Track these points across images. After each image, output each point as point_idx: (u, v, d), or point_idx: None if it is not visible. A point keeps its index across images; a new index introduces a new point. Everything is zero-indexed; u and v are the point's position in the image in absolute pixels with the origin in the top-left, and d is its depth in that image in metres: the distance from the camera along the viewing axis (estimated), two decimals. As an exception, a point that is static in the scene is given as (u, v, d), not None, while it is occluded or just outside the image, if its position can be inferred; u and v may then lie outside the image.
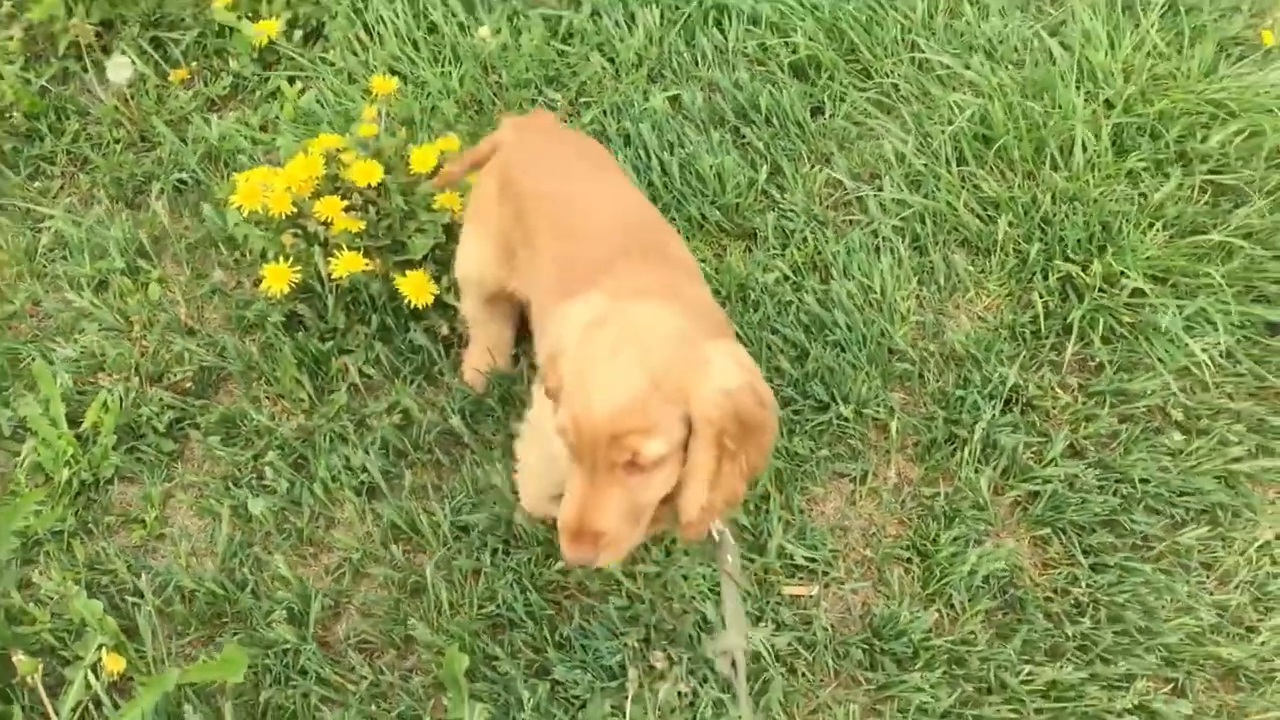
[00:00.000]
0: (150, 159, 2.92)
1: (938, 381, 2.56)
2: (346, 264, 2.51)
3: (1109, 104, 2.93)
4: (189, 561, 2.29)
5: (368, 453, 2.39)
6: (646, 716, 2.10)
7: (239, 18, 3.06)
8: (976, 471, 2.42)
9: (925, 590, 2.30)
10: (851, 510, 2.41)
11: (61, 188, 2.90)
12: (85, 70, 3.03)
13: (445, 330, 2.57)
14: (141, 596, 2.19)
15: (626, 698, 2.11)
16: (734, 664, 1.75)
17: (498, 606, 2.20)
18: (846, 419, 2.48)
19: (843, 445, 2.48)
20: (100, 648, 2.01)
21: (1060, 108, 2.89)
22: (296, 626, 2.18)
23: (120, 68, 2.86)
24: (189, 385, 2.52)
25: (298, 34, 3.12)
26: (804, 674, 2.18)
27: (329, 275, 2.54)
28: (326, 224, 2.55)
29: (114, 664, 2.01)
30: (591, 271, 1.84)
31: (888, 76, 3.06)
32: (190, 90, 3.04)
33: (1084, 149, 2.83)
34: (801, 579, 2.31)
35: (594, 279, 1.81)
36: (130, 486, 2.41)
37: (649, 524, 1.73)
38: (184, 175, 2.87)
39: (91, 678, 1.99)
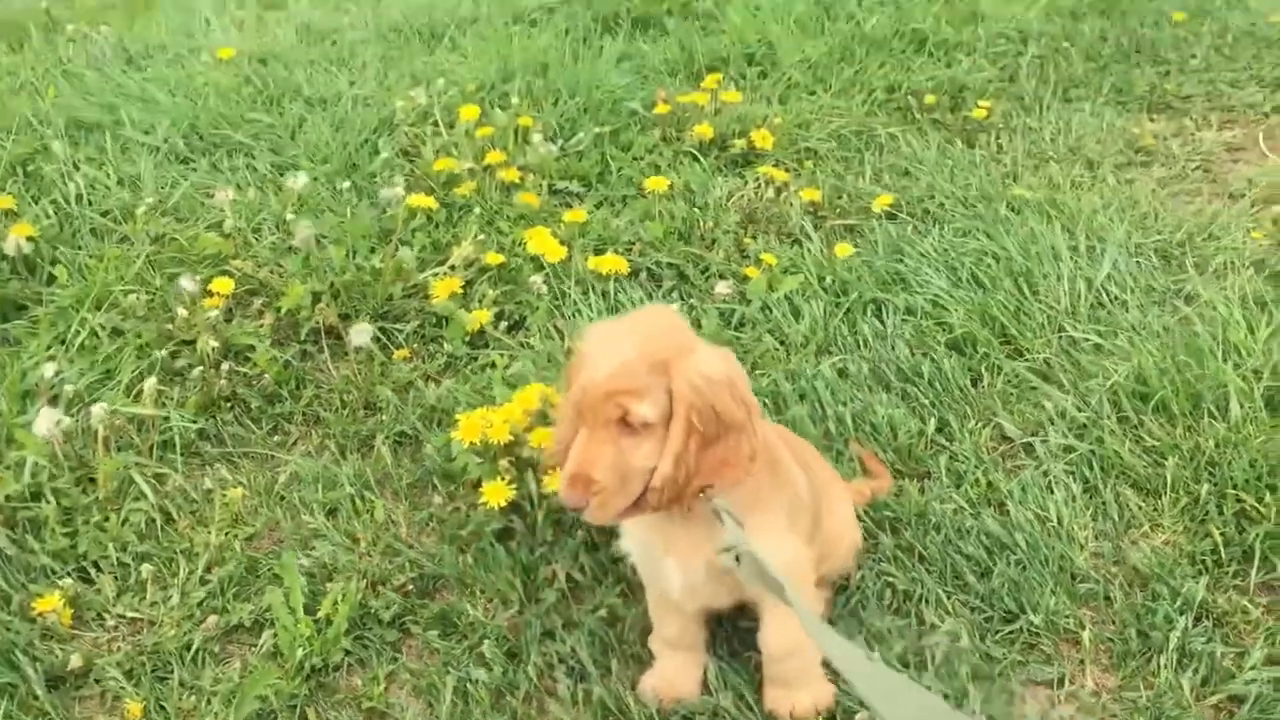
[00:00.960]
0: (374, 420, 3.46)
1: (1125, 599, 2.77)
2: (558, 479, 2.93)
3: (1256, 373, 3.32)
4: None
5: (576, 647, 2.66)
6: None
7: (455, 309, 3.72)
8: (1177, 673, 2.57)
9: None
10: (1053, 711, 2.55)
11: (296, 441, 3.43)
12: (322, 351, 3.68)
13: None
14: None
15: None
16: (738, 558, 2.05)
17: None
18: (1037, 628, 2.68)
19: (1035, 653, 2.66)
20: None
21: (1210, 371, 3.29)
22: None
23: (361, 333, 3.49)
24: (410, 588, 2.86)
25: (503, 324, 3.76)
26: None
27: (540, 495, 2.96)
28: (540, 450, 3.01)
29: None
30: None
31: (1040, 353, 3.52)
32: (410, 365, 3.64)
33: (1240, 405, 3.18)
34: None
35: None
36: (356, 673, 2.70)
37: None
38: (405, 428, 3.39)
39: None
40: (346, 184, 4.18)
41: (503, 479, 2.95)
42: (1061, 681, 2.59)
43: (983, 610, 2.72)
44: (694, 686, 2.57)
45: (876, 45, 5.56)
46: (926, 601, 2.75)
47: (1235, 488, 2.97)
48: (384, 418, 3.44)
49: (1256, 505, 2.91)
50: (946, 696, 2.51)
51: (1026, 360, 3.51)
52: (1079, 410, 3.26)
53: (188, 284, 3.51)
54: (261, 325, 3.65)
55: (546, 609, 2.76)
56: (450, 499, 3.14)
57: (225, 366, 3.50)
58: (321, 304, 3.69)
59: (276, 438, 3.45)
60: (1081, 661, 2.64)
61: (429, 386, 3.51)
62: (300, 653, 2.64)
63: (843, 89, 5.24)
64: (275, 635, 2.70)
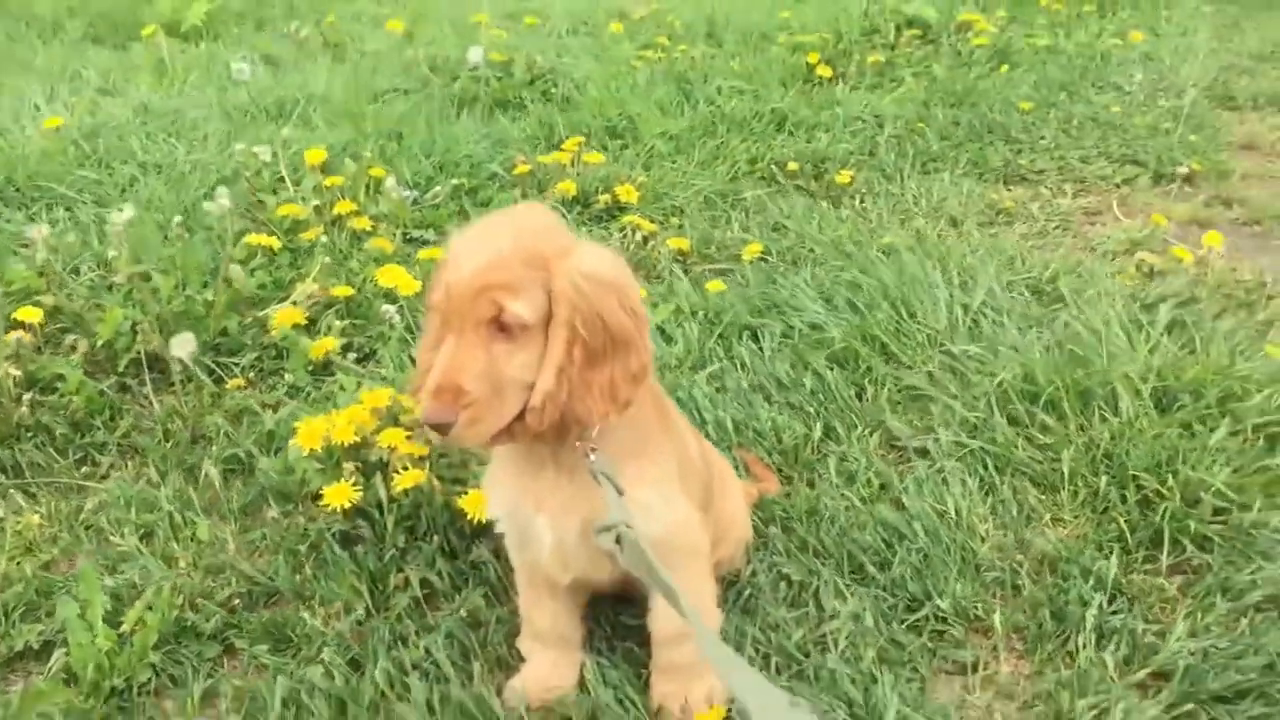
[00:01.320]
0: (202, 448, 3.10)
1: (1034, 584, 2.58)
2: (409, 479, 2.63)
3: (1142, 376, 3.25)
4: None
5: (431, 649, 2.33)
6: None
7: (298, 338, 3.43)
8: (1098, 651, 2.37)
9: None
10: (970, 696, 2.31)
11: (109, 470, 3.04)
12: (143, 384, 3.32)
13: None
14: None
15: None
16: (618, 540, 1.79)
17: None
18: (945, 613, 2.46)
19: (945, 640, 2.43)
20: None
21: (1097, 370, 3.21)
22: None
23: (183, 344, 3.14)
24: (235, 603, 2.49)
25: (351, 355, 3.47)
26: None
27: (390, 494, 2.65)
28: (390, 450, 2.71)
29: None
30: None
31: (924, 366, 3.41)
32: (246, 393, 3.31)
33: (1131, 403, 3.09)
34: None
35: None
36: (169, 694, 2.29)
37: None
38: (238, 452, 3.04)
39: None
40: (178, 219, 3.89)
41: (347, 483, 2.64)
42: (975, 667, 2.37)
43: (885, 598, 2.51)
44: (569, 685, 2.26)
45: (737, 124, 5.59)
46: (824, 591, 2.51)
47: (1135, 478, 2.85)
48: (214, 446, 3.09)
49: (1160, 489, 2.79)
50: (853, 681, 2.26)
51: (912, 372, 3.38)
52: (969, 411, 3.13)
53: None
54: (73, 357, 3.28)
55: (398, 615, 2.43)
56: (286, 516, 2.80)
57: (28, 397, 3.11)
58: (142, 333, 3.35)
59: (85, 469, 3.06)
60: (994, 648, 2.43)
61: (266, 413, 3.18)
62: (97, 672, 2.23)
63: (705, 160, 5.22)
64: (68, 654, 2.29)
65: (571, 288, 1.80)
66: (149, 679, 2.28)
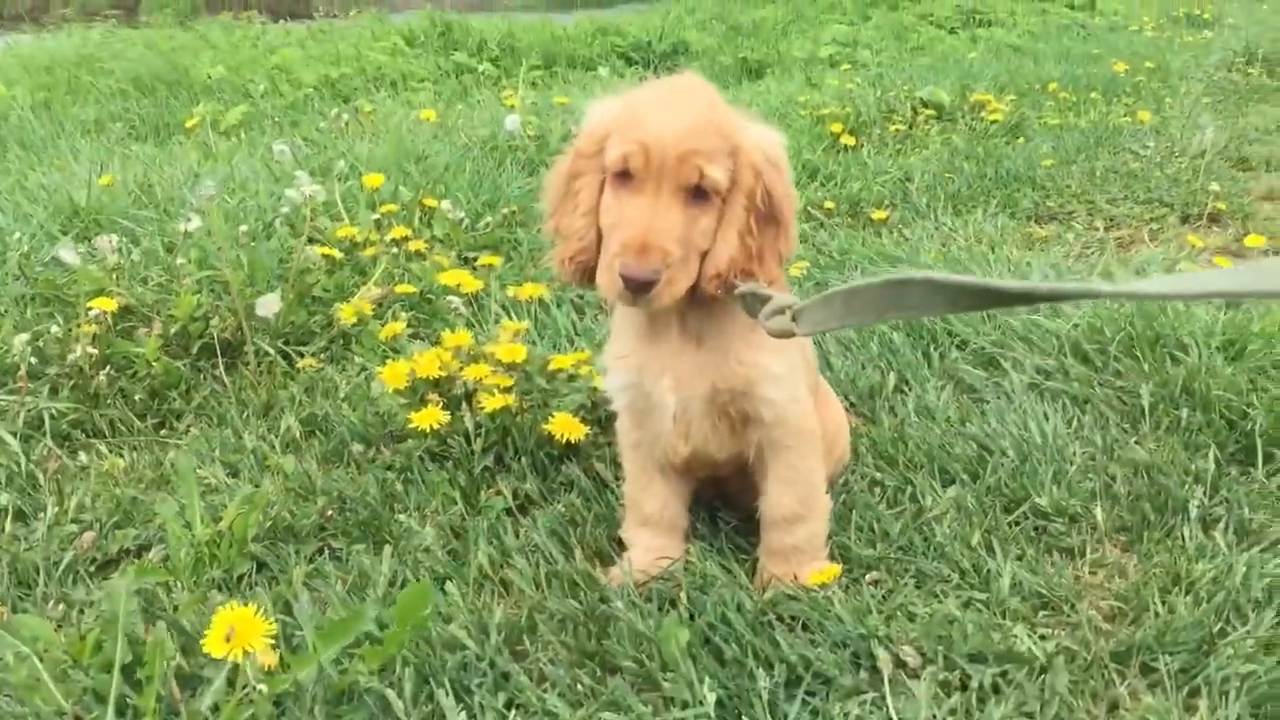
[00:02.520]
0: (279, 413, 3.10)
1: (1131, 488, 2.55)
2: (496, 402, 2.64)
3: (1208, 332, 3.27)
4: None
5: (533, 534, 2.30)
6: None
7: (368, 324, 3.47)
8: (1206, 535, 2.33)
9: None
10: (1082, 574, 2.27)
11: (188, 429, 3.04)
12: (216, 367, 3.35)
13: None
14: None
15: (879, 691, 1.85)
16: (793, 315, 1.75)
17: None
18: (1045, 510, 2.44)
19: (1046, 536, 2.40)
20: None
21: (1163, 323, 3.24)
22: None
23: (269, 304, 3.19)
24: (330, 513, 2.46)
25: (418, 343, 3.51)
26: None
27: (476, 426, 2.65)
28: (477, 381, 2.73)
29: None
30: None
31: (989, 336, 3.43)
32: (318, 372, 3.33)
33: (1199, 351, 3.12)
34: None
35: None
36: (264, 590, 2.25)
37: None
38: (316, 411, 3.04)
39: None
40: (244, 228, 3.97)
41: (434, 408, 2.65)
42: (1082, 550, 2.33)
43: (982, 501, 2.48)
44: (678, 556, 2.23)
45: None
46: (919, 492, 2.49)
47: (1220, 401, 2.85)
48: (291, 403, 3.09)
49: (1245, 409, 2.79)
50: (962, 554, 2.23)
51: (978, 337, 3.41)
52: (1041, 358, 3.14)
53: (67, 254, 3.19)
54: (150, 338, 3.31)
55: (495, 516, 2.41)
56: (370, 451, 2.79)
57: (105, 371, 3.14)
58: (219, 315, 3.40)
59: (163, 432, 3.06)
60: (1099, 540, 2.39)
61: (341, 380, 3.20)
62: (196, 563, 2.21)
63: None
64: (166, 550, 2.26)
65: (756, 162, 1.89)
66: (249, 570, 2.25)
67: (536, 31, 12.15)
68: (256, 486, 2.59)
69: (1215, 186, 5.87)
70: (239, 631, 1.50)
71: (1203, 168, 6.23)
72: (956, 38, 13.75)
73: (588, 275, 1.95)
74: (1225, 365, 3.03)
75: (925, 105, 7.62)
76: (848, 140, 6.63)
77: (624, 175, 1.84)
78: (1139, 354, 3.11)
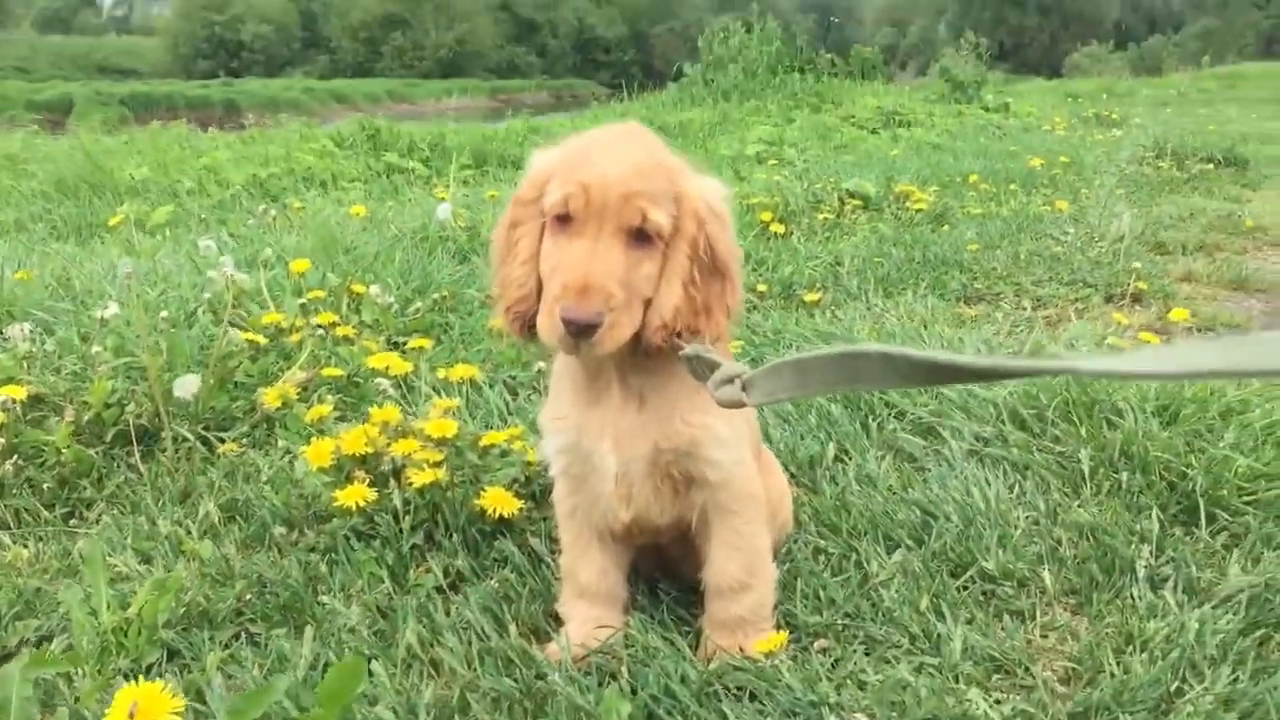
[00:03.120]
0: (198, 498, 2.96)
1: (1077, 550, 2.51)
2: (426, 476, 2.54)
3: (1143, 398, 3.28)
4: None
5: (464, 610, 2.18)
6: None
7: (293, 407, 3.35)
8: (1156, 594, 2.28)
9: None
10: (1033, 637, 2.20)
11: (100, 517, 2.88)
12: (131, 454, 3.19)
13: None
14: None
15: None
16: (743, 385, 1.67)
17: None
18: (993, 575, 2.38)
19: (995, 600, 2.33)
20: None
21: (1098, 392, 3.24)
22: None
23: (188, 384, 3.06)
24: (249, 597, 2.32)
25: (345, 426, 3.39)
26: None
27: (404, 504, 2.54)
28: (405, 457, 2.62)
29: None
30: None
31: (925, 406, 3.40)
32: (240, 455, 3.19)
33: (1134, 416, 3.11)
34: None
35: None
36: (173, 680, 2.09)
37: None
38: (237, 496, 2.90)
39: None
40: (164, 314, 3.85)
41: (361, 484, 2.54)
42: (1032, 614, 2.27)
43: (929, 566, 2.41)
44: (616, 630, 2.12)
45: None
46: (866, 562, 2.42)
47: (1159, 462, 2.83)
48: (212, 493, 2.95)
49: (1184, 470, 2.77)
50: (911, 618, 2.15)
51: (916, 407, 3.37)
52: (980, 426, 3.11)
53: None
54: (60, 425, 3.16)
55: (426, 594, 2.28)
56: (294, 529, 2.65)
57: (12, 460, 2.98)
58: (134, 400, 3.26)
59: (73, 521, 2.89)
60: (1049, 603, 2.33)
61: (264, 464, 3.07)
62: (101, 650, 2.05)
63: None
64: (69, 638, 2.11)
65: (697, 211, 1.84)
66: (159, 658, 2.10)
67: (467, 134, 12.24)
68: (169, 572, 2.44)
69: (1137, 264, 5.99)
70: (143, 708, 1.36)
71: (1122, 251, 6.36)
72: (878, 137, 14.08)
73: (528, 325, 1.87)
74: (1161, 429, 3.02)
75: (851, 196, 7.73)
76: (777, 228, 6.67)
77: (564, 219, 1.79)
78: (1076, 419, 3.09)
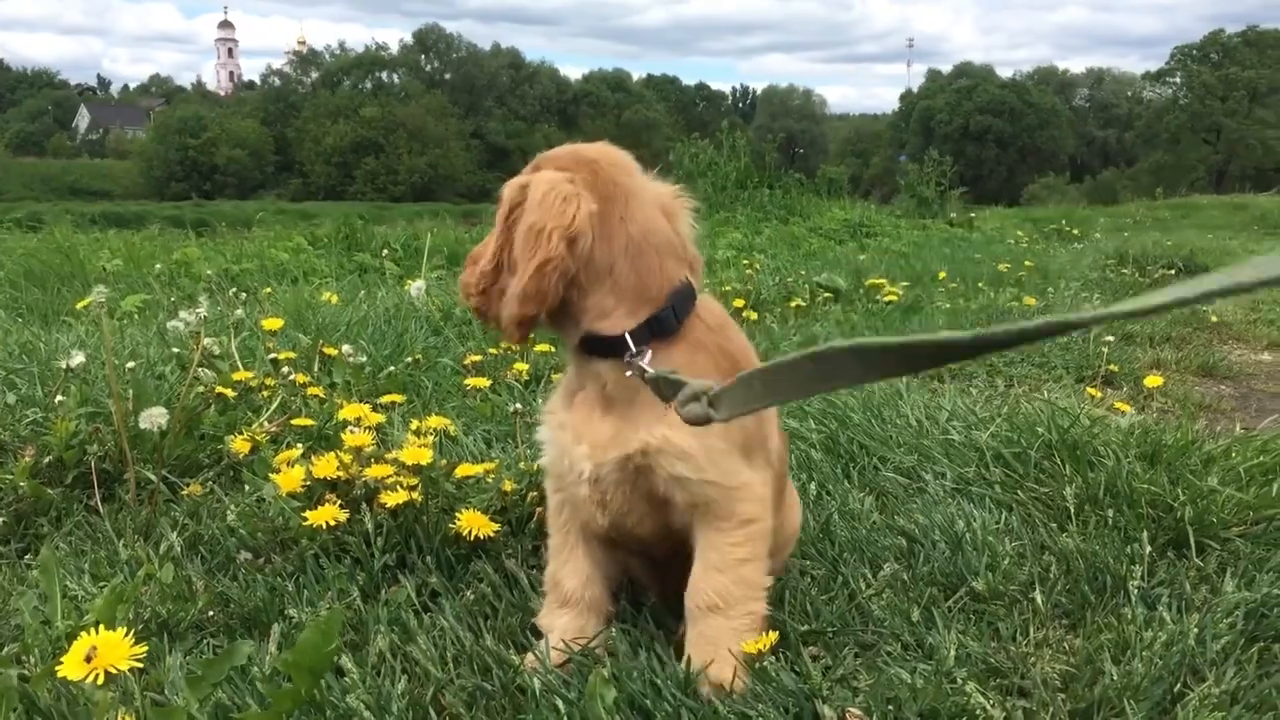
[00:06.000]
0: (160, 534, 2.85)
1: (1067, 573, 2.45)
2: (399, 497, 2.46)
3: (1124, 442, 3.25)
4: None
5: (440, 619, 2.08)
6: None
7: (262, 453, 3.27)
8: (1149, 610, 2.22)
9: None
10: (1028, 650, 2.13)
11: (56, 548, 2.76)
12: (92, 497, 3.09)
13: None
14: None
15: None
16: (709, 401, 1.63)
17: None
18: (982, 595, 2.31)
19: (984, 620, 2.26)
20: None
21: (1079, 430, 3.22)
22: None
23: (155, 416, 2.96)
24: (211, 613, 2.21)
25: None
26: None
27: (376, 527, 2.46)
28: (379, 480, 2.54)
29: None
30: None
31: (908, 457, 3.36)
32: (206, 497, 3.09)
33: (1117, 458, 3.09)
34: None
35: None
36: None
37: None
38: (201, 530, 2.80)
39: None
40: (131, 364, 3.77)
41: (332, 505, 2.46)
42: (1025, 630, 2.20)
43: (919, 582, 2.35)
44: (598, 637, 2.04)
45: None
46: (852, 581, 2.35)
47: (1141, 502, 2.79)
48: (174, 526, 2.84)
49: (1171, 503, 2.73)
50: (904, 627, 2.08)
51: (897, 454, 3.33)
52: (962, 467, 3.07)
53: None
54: (19, 463, 3.06)
55: (397, 607, 2.19)
56: (260, 556, 2.55)
57: (-33, 497, 2.87)
58: (94, 446, 3.16)
59: (28, 557, 2.78)
60: (1041, 622, 2.26)
61: (232, 505, 2.97)
62: (54, 656, 1.93)
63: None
64: (20, 644, 1.99)
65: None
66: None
67: (441, 235, 12.31)
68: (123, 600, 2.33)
69: (1110, 338, 6.02)
70: (101, 652, 1.27)
71: (1092, 338, 6.41)
72: (845, 245, 14.30)
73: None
74: (1144, 471, 2.99)
75: (822, 288, 7.80)
76: (750, 315, 6.70)
77: None
78: (1059, 460, 3.05)
